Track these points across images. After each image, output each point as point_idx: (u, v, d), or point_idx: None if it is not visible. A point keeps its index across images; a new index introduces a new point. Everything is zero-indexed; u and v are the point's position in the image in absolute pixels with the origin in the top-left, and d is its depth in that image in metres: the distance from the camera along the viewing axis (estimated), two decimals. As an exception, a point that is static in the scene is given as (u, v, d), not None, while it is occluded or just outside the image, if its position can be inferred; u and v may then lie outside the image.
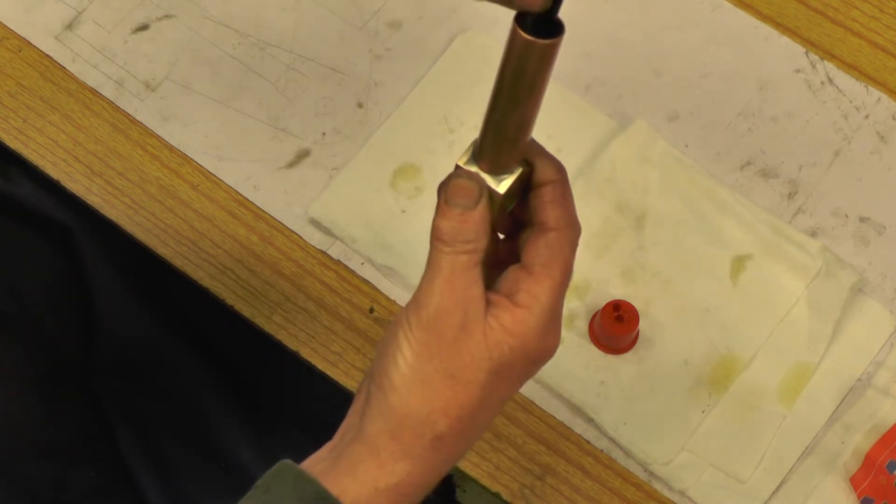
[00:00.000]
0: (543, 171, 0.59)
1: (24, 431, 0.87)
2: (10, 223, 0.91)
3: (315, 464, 0.59)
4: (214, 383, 0.93)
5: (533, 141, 0.59)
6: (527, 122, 0.57)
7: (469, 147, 0.59)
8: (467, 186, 0.58)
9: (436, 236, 0.58)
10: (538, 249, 0.59)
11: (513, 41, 0.53)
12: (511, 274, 0.60)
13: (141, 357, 0.93)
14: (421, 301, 0.58)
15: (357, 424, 0.59)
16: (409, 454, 0.58)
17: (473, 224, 0.58)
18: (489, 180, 0.59)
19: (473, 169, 0.59)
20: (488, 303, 0.58)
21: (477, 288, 0.58)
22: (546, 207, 0.59)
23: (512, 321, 0.58)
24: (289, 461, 0.59)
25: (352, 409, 0.60)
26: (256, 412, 0.93)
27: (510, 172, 0.59)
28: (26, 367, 0.88)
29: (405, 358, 0.58)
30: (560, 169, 0.60)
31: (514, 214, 0.61)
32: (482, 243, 0.58)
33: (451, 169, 0.57)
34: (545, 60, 0.54)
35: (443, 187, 0.59)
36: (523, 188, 0.60)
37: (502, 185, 0.59)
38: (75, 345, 0.90)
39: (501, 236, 0.63)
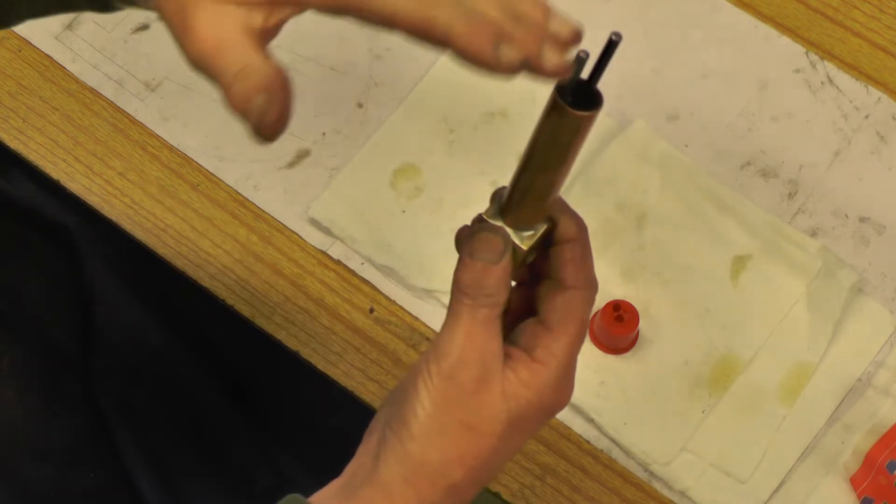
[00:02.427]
0: (566, 229, 0.60)
1: (23, 432, 0.87)
2: (10, 224, 0.91)
3: (324, 501, 0.59)
4: (214, 384, 0.93)
5: (558, 198, 0.59)
6: (556, 184, 0.57)
7: (493, 198, 0.59)
8: (493, 241, 0.58)
9: (457, 288, 0.58)
10: (555, 306, 0.60)
11: (550, 110, 0.53)
12: (528, 328, 0.60)
13: (140, 358, 0.93)
14: (441, 351, 0.58)
15: (369, 467, 0.59)
16: (423, 501, 0.58)
17: (496, 278, 0.58)
18: (513, 235, 0.59)
19: (498, 223, 0.59)
20: (506, 356, 0.59)
21: (496, 341, 0.59)
22: (566, 265, 0.60)
23: (529, 376, 0.59)
24: (298, 495, 0.59)
25: (362, 449, 0.61)
26: (256, 413, 0.93)
27: (534, 229, 0.59)
28: (25, 367, 0.88)
29: (424, 407, 0.58)
30: (582, 227, 0.60)
31: (531, 265, 0.62)
32: (503, 297, 0.58)
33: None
34: (581, 130, 0.54)
35: (466, 238, 0.59)
36: (544, 243, 0.60)
37: (526, 242, 0.59)
38: (74, 345, 0.90)
39: (513, 283, 0.63)
